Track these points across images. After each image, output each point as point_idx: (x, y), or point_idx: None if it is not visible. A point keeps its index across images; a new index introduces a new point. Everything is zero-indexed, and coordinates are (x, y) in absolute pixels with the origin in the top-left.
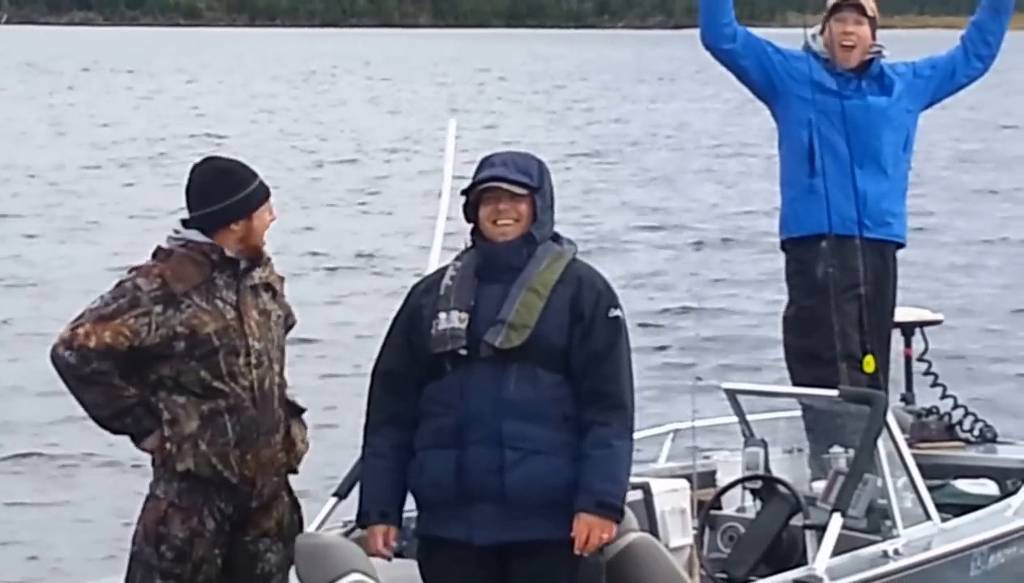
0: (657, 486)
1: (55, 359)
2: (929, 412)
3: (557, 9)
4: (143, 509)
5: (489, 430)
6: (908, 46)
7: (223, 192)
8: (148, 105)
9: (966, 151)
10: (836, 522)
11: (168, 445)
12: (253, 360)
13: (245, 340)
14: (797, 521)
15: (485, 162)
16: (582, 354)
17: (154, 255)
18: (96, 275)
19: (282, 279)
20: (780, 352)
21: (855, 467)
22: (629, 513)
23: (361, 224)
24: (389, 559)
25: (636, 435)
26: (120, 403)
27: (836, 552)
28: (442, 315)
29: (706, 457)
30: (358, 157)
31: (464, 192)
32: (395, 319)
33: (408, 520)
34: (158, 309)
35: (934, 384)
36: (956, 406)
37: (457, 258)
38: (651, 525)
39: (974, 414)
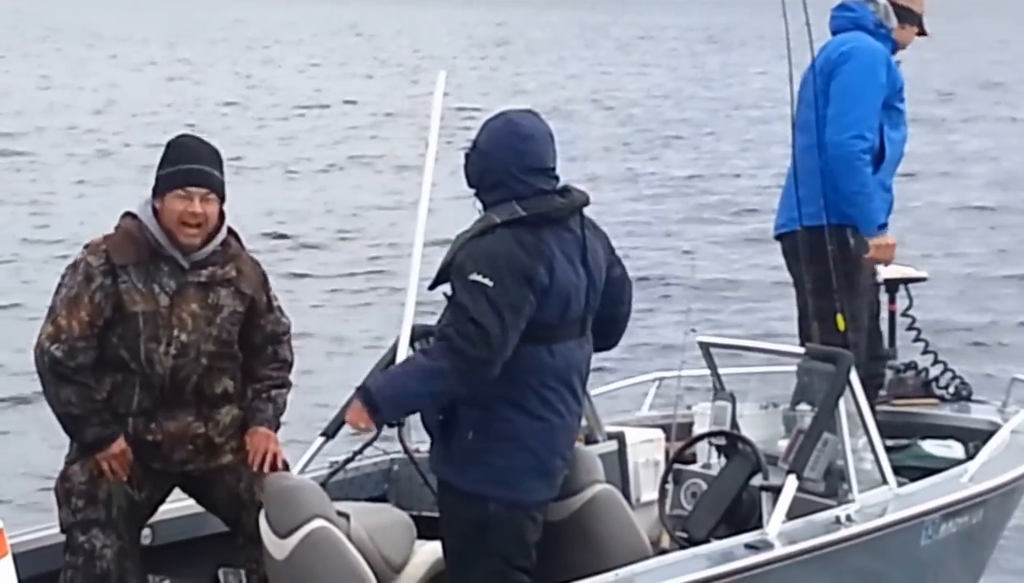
0: (632, 436)
1: (41, 354)
2: (908, 367)
3: None
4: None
5: None
6: None
7: (163, 161)
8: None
9: None
10: (791, 485)
11: None
12: (173, 351)
13: (170, 331)
14: (758, 480)
15: None
16: None
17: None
18: None
19: (264, 279)
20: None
21: (814, 427)
22: (597, 463)
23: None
24: None
25: (622, 383)
26: (90, 405)
27: (792, 514)
28: None
29: (688, 407)
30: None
31: None
32: None
33: (392, 461)
34: (107, 281)
35: (916, 339)
36: (936, 362)
37: None
38: (623, 476)
39: (952, 371)
